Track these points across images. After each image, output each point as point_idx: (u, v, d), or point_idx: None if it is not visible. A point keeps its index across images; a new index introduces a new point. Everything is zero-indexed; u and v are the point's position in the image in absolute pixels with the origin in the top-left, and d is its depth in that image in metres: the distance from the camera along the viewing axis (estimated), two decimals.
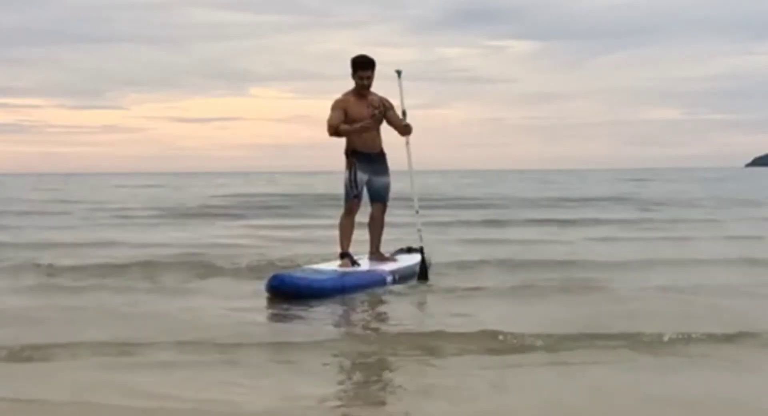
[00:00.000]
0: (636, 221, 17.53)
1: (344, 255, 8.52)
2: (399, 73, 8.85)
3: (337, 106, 8.53)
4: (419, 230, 8.84)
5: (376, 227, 8.79)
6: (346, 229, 8.60)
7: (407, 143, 8.80)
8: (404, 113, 8.72)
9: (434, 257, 9.29)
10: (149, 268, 9.48)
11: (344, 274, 8.10)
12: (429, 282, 8.45)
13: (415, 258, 8.89)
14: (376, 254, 8.80)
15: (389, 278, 8.26)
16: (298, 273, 7.97)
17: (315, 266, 8.52)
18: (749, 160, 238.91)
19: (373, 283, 8.08)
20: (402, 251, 9.47)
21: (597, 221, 17.47)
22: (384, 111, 8.58)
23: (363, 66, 8.51)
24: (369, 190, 8.71)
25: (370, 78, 8.53)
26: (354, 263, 8.49)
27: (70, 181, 71.65)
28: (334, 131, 8.52)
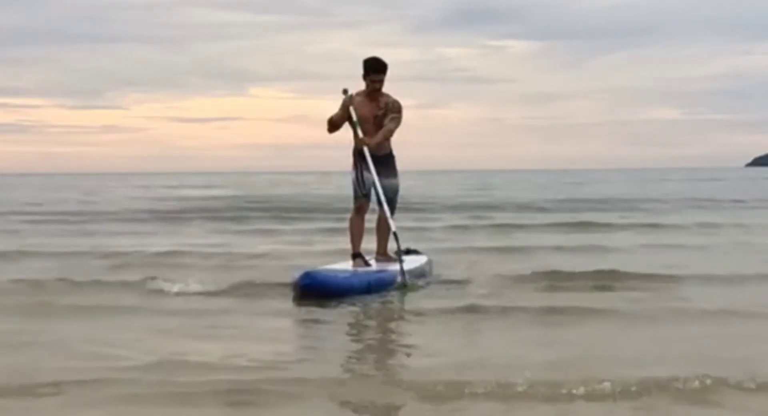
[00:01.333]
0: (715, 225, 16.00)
1: (356, 256, 8.49)
2: (345, 91, 8.56)
3: (343, 104, 8.48)
4: (394, 233, 8.52)
5: (383, 229, 8.70)
6: (356, 229, 8.55)
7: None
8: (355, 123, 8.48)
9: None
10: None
11: (366, 273, 8.08)
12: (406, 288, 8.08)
13: (419, 260, 8.81)
14: (382, 256, 8.74)
15: (399, 279, 8.19)
16: (326, 272, 7.88)
17: (332, 267, 8.39)
18: (749, 160, 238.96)
19: (390, 283, 8.05)
20: (402, 252, 9.45)
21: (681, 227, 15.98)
22: (384, 114, 8.50)
23: (376, 70, 8.45)
24: (375, 192, 8.59)
25: (381, 82, 8.47)
26: (366, 263, 8.44)
27: None
28: (330, 124, 8.47)
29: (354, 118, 8.46)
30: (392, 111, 8.50)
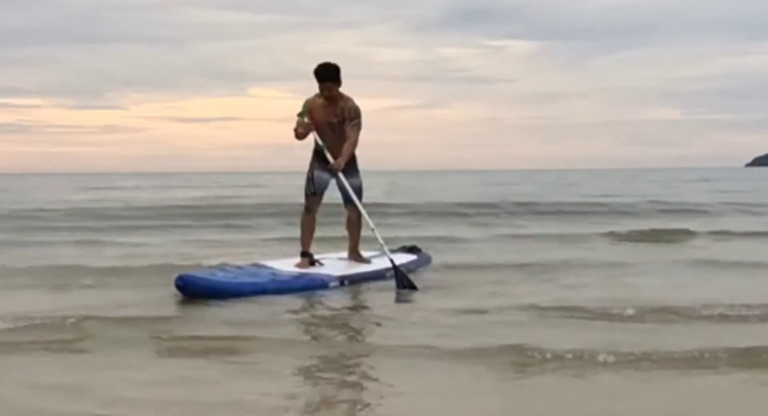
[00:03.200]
0: None
1: (303, 254, 8.45)
2: (301, 115, 8.48)
3: (304, 107, 8.49)
4: (373, 229, 8.50)
5: (351, 228, 8.74)
6: (305, 227, 8.54)
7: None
8: (323, 145, 8.44)
9: None
10: None
11: (254, 274, 7.93)
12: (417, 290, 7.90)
13: (379, 263, 8.65)
14: (352, 255, 8.76)
15: (333, 283, 8.04)
16: (202, 274, 7.86)
17: (262, 263, 8.43)
18: (749, 160, 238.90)
19: (298, 288, 7.82)
20: (403, 249, 9.57)
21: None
22: (341, 121, 8.42)
23: (321, 79, 8.37)
24: (340, 192, 8.63)
25: (330, 89, 8.36)
26: (312, 263, 8.37)
27: None
28: (296, 135, 8.49)
29: (320, 143, 8.45)
30: (350, 118, 8.42)
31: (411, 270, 8.68)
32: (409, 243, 10.06)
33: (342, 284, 8.12)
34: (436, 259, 9.88)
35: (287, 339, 5.91)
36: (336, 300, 7.54)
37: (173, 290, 7.54)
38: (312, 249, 8.56)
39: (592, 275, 9.09)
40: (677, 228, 14.90)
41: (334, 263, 8.63)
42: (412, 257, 9.30)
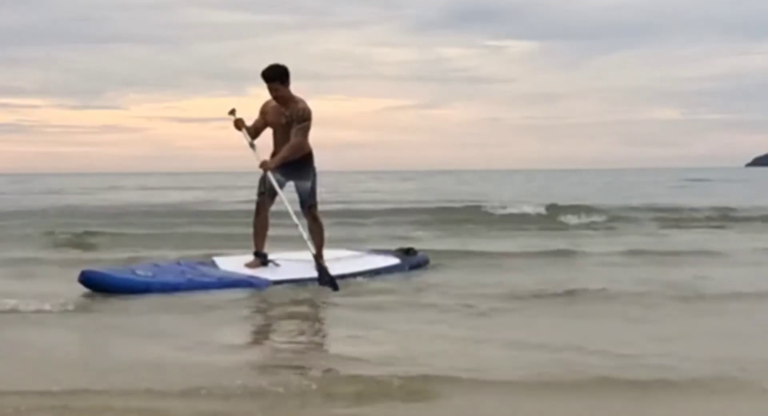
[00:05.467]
0: None
1: (257, 254, 8.46)
2: (232, 112, 8.57)
3: (259, 110, 8.58)
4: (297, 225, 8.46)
5: (312, 230, 8.62)
6: (256, 227, 8.51)
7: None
8: (252, 145, 8.57)
9: None
10: None
11: (166, 272, 8.00)
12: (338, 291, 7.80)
13: (350, 265, 8.65)
14: (315, 257, 8.55)
15: (263, 285, 7.99)
16: (113, 272, 7.92)
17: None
18: (749, 160, 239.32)
19: (216, 287, 7.82)
20: (400, 251, 9.55)
21: None
22: (289, 122, 8.38)
23: (266, 80, 8.38)
24: (297, 194, 8.60)
25: (277, 90, 8.35)
26: (265, 263, 8.34)
27: None
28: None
29: (248, 140, 8.54)
30: (297, 121, 8.37)
31: (391, 273, 8.77)
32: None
33: (274, 284, 8.02)
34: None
35: None
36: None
37: None
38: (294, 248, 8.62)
39: None
40: None
41: (288, 264, 8.47)
42: (394, 260, 9.19)
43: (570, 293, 7.67)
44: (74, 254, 11.55)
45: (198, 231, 15.43)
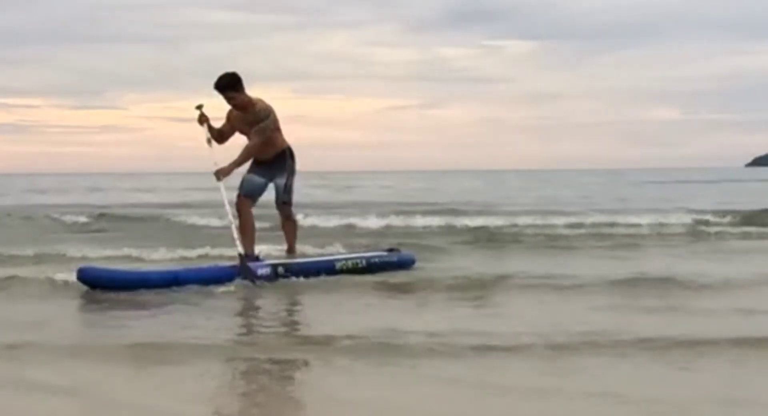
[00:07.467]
0: None
1: (246, 256, 8.36)
2: (199, 107, 8.64)
3: (226, 115, 8.63)
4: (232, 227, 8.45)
5: (285, 227, 8.80)
6: (243, 229, 8.45)
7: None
8: (209, 141, 8.62)
9: None
10: None
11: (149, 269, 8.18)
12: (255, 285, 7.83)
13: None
14: (289, 253, 8.76)
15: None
16: (100, 268, 7.96)
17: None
18: (749, 160, 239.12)
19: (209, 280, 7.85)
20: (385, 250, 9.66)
21: None
22: (252, 122, 8.45)
23: (218, 90, 8.42)
24: (274, 191, 8.74)
25: (233, 98, 8.42)
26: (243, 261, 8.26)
27: None
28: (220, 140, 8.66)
29: (207, 136, 8.58)
30: (256, 121, 8.43)
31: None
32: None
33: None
34: None
35: None
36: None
37: None
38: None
39: None
40: None
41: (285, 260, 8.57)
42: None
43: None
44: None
45: (198, 231, 15.43)
